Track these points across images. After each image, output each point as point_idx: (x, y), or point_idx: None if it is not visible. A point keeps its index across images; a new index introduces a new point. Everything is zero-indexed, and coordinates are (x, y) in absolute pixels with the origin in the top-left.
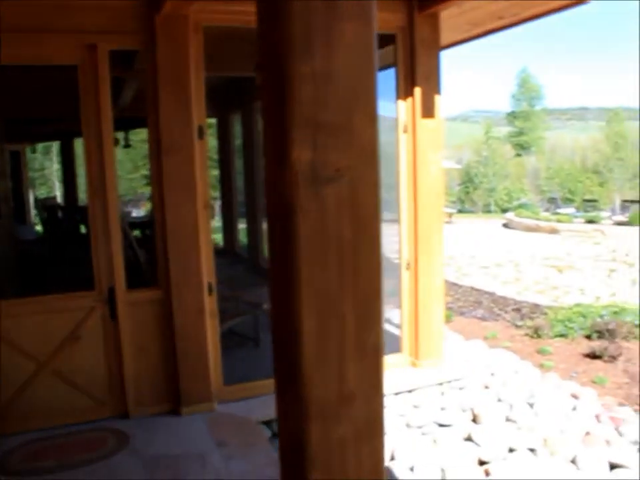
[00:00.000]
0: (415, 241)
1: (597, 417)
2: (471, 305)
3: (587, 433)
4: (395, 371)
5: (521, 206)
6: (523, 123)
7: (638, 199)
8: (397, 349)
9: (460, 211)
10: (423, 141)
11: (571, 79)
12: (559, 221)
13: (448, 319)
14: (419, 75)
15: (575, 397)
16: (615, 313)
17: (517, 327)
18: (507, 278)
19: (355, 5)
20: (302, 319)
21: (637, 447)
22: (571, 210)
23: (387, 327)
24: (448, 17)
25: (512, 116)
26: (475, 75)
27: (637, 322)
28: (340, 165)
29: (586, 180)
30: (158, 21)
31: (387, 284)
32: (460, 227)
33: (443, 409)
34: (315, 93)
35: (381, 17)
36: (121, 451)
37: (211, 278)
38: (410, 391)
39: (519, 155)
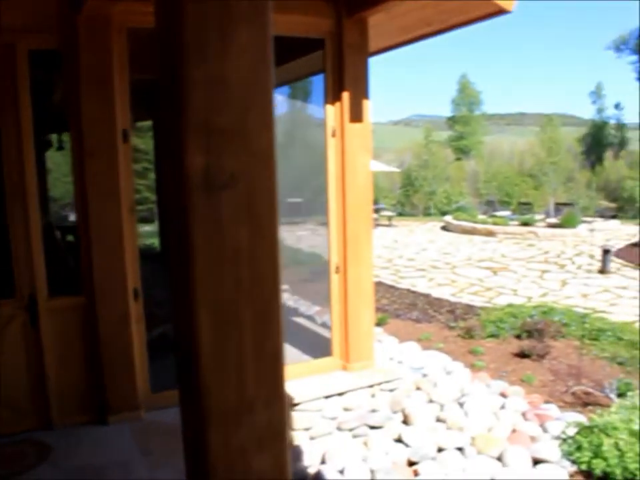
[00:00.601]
0: (343, 244)
1: (524, 414)
2: (406, 307)
3: (514, 431)
4: (326, 375)
5: (459, 209)
6: (462, 128)
7: (570, 202)
8: (327, 352)
9: (400, 214)
10: (352, 145)
11: (510, 85)
12: (495, 223)
13: (383, 322)
14: (347, 80)
15: (503, 395)
16: (544, 312)
17: (451, 328)
18: (443, 280)
19: (249, 8)
20: (199, 327)
21: (559, 441)
22: (507, 213)
23: (319, 330)
24: (379, 23)
25: (452, 120)
26: (418, 80)
27: (564, 321)
28: (235, 170)
29: (522, 183)
30: (79, 21)
31: (322, 287)
32: (400, 230)
33: (374, 410)
34: (208, 98)
35: (309, 21)
36: (41, 464)
37: (136, 283)
38: (341, 394)
39: (459, 158)
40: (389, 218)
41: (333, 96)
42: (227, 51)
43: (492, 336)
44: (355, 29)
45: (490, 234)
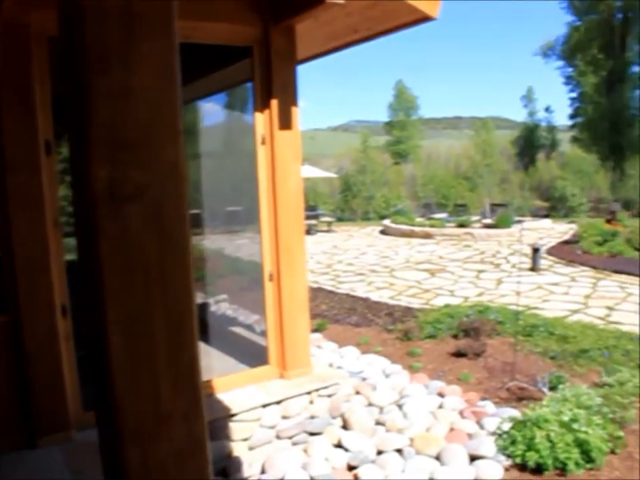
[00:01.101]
0: (276, 252)
1: (461, 412)
2: (346, 312)
3: (451, 429)
4: (263, 383)
5: (397, 212)
6: (400, 132)
7: (504, 203)
8: (265, 361)
9: (340, 219)
10: (282, 152)
11: (446, 90)
12: (432, 225)
13: (323, 327)
14: (275, 87)
15: (441, 395)
16: (480, 312)
17: (389, 331)
18: (382, 284)
19: (153, 20)
20: (109, 343)
21: (495, 437)
22: (444, 215)
23: (257, 339)
24: (308, 31)
25: (389, 125)
26: (356, 87)
27: (499, 319)
28: (140, 182)
29: (458, 186)
30: None
31: (261, 295)
32: (339, 235)
33: (312, 417)
34: (112, 109)
35: (236, 29)
36: None
37: (64, 299)
38: (279, 402)
39: (397, 163)
40: (329, 224)
41: (261, 103)
42: (130, 63)
43: (430, 337)
44: (282, 36)
45: (428, 236)
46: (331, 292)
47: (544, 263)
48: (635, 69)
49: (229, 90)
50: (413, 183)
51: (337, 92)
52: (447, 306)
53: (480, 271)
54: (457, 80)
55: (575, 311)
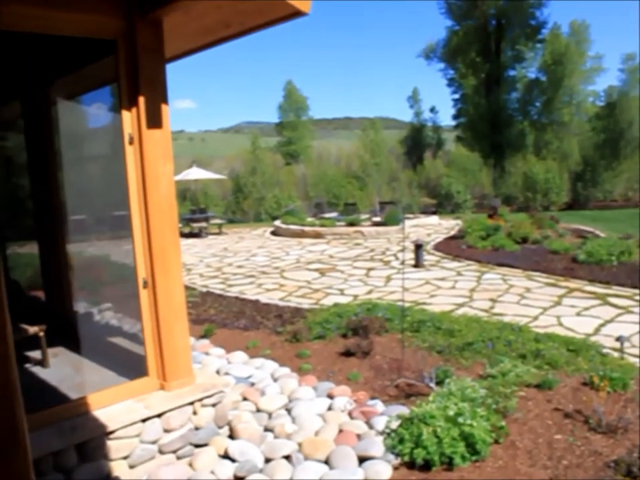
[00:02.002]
0: (150, 257)
1: (350, 413)
2: (234, 315)
3: (341, 431)
4: (142, 397)
5: (287, 213)
6: (290, 133)
7: (392, 201)
8: (144, 372)
9: (231, 221)
10: (151, 153)
11: (336, 91)
12: (322, 225)
13: (210, 332)
14: (142, 84)
15: (330, 396)
16: (368, 309)
17: (278, 333)
18: (272, 285)
19: None
20: None
21: (384, 436)
22: (334, 214)
23: (137, 349)
24: (180, 25)
25: (280, 126)
26: (246, 88)
27: (387, 316)
28: None
29: (348, 185)
30: None
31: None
32: (230, 237)
33: (197, 428)
34: None
35: (97, 20)
36: None
37: None
38: (159, 415)
39: (288, 163)
40: (219, 226)
41: (128, 101)
42: None
43: (319, 337)
44: (149, 29)
45: (318, 236)
46: (220, 296)
47: (431, 258)
48: (510, 72)
49: (102, 87)
50: (305, 183)
51: (227, 93)
52: (335, 305)
53: (369, 269)
54: (347, 81)
55: (461, 305)
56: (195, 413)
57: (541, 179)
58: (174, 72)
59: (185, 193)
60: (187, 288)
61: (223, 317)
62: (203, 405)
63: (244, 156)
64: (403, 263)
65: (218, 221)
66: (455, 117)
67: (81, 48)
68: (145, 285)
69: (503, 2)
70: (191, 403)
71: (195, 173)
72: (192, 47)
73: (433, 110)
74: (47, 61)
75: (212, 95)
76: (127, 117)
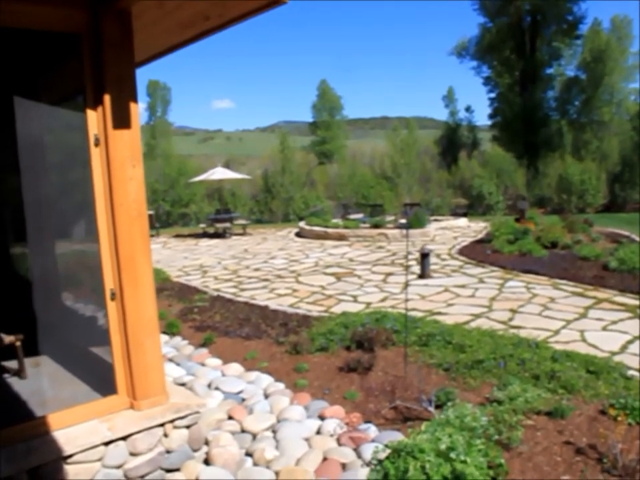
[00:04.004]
0: (117, 267)
1: (339, 438)
2: (239, 322)
3: (325, 459)
4: (109, 416)
5: (312, 214)
6: (324, 132)
7: (417, 202)
8: (112, 390)
9: (259, 221)
10: (119, 155)
11: (373, 91)
12: (346, 226)
13: (210, 341)
14: (108, 81)
15: (322, 417)
16: (377, 320)
17: (279, 343)
18: (285, 290)
19: None
20: None
21: (369, 468)
22: (360, 215)
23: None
24: (156, 19)
25: (314, 126)
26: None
27: (396, 327)
28: None
29: (377, 185)
30: None
31: None
32: (254, 238)
33: (169, 451)
34: None
35: (59, 13)
36: None
37: None
38: (125, 438)
39: (322, 163)
40: (244, 226)
41: (93, 100)
42: None
43: (321, 349)
44: (116, 22)
45: (341, 238)
46: (229, 300)
47: (454, 264)
48: (547, 70)
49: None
50: (337, 183)
51: (266, 92)
52: (343, 314)
53: (388, 274)
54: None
55: (478, 315)
56: (166, 435)
57: (576, 179)
58: (211, 71)
59: (214, 192)
60: (198, 292)
61: (227, 325)
62: (176, 427)
63: (275, 155)
64: (407, 268)
65: (242, 222)
66: (491, 116)
67: (43, 44)
68: (113, 296)
69: None
70: (162, 425)
71: (220, 173)
72: (174, 43)
73: (468, 109)
74: (4, 59)
75: (251, 95)
76: (93, 116)
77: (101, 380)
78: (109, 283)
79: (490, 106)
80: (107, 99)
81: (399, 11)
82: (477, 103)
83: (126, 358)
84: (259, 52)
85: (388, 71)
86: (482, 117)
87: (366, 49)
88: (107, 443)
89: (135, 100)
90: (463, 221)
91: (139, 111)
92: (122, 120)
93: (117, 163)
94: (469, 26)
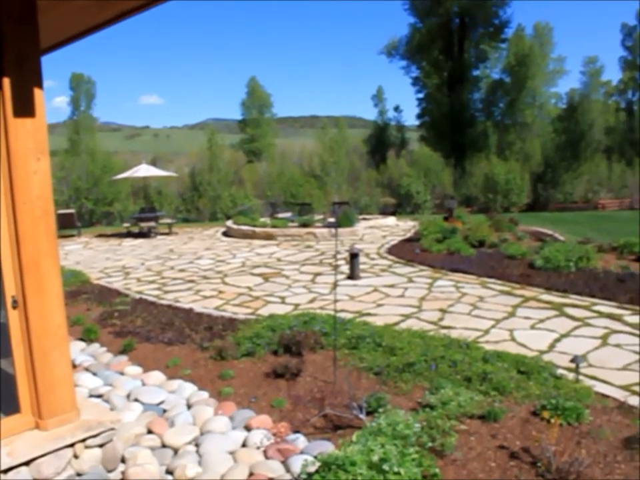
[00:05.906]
0: (20, 272)
1: (266, 451)
2: (161, 327)
3: (251, 474)
4: (11, 439)
5: (240, 212)
6: (253, 130)
7: (346, 201)
8: (15, 409)
9: (185, 220)
10: (21, 146)
11: (302, 89)
12: (274, 225)
13: (130, 348)
14: (7, 61)
15: (248, 427)
16: (305, 322)
17: (204, 349)
18: (211, 292)
19: None
20: None
21: None
22: (288, 214)
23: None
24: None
25: (243, 124)
26: (214, 84)
27: (324, 330)
28: None
29: (306, 184)
30: None
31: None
32: (180, 238)
33: (80, 474)
34: None
35: None
36: None
37: None
38: (29, 462)
39: (250, 161)
40: (169, 225)
41: None
42: None
43: (247, 355)
44: None
45: (269, 237)
46: (152, 303)
47: (383, 263)
48: (474, 72)
49: None
50: (265, 181)
51: (194, 89)
52: (270, 317)
53: (317, 274)
54: (314, 79)
55: (408, 316)
56: (76, 456)
57: (501, 179)
58: (138, 66)
59: (139, 191)
60: (119, 294)
61: (149, 329)
62: (87, 446)
63: (204, 153)
64: (335, 268)
65: (168, 221)
66: (419, 116)
67: None
68: (15, 304)
69: (465, 0)
70: (72, 445)
71: (145, 170)
72: (91, 25)
73: (397, 109)
74: None
75: (180, 91)
76: None
77: (2, 397)
78: (10, 290)
79: (418, 106)
80: (5, 82)
81: (329, 8)
82: (405, 102)
83: (30, 372)
84: (188, 47)
85: (318, 69)
86: (410, 116)
87: (296, 46)
88: (5, 471)
89: (40, 84)
90: (391, 220)
91: (43, 97)
92: (24, 107)
93: (18, 155)
94: (400, 25)
